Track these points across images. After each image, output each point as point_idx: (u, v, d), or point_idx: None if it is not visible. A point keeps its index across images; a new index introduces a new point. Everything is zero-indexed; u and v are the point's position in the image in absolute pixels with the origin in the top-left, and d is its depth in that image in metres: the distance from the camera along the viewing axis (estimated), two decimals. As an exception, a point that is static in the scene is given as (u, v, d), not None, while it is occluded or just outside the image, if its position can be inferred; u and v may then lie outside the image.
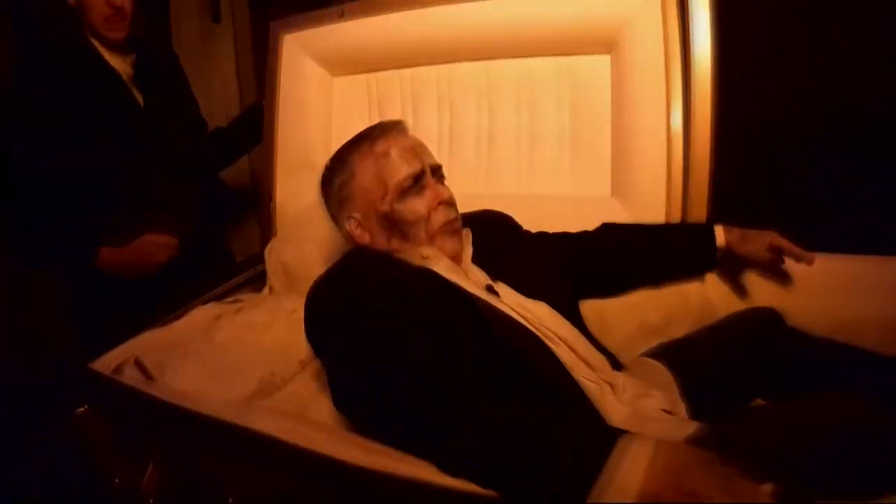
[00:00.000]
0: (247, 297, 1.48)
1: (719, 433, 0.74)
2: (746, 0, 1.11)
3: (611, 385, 0.92)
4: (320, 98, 1.56)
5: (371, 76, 1.53)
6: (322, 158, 1.62)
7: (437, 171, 1.01)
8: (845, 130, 1.10)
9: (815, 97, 1.11)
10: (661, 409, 0.90)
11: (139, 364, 1.11)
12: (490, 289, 0.97)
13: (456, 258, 0.99)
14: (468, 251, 1.03)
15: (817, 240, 1.06)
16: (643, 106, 1.17)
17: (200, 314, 1.30)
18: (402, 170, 0.97)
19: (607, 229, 1.18)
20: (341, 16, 1.42)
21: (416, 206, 0.97)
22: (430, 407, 0.68)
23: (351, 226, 1.01)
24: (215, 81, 2.21)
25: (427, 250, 0.96)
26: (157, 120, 1.37)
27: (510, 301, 0.96)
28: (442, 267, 0.94)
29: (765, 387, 1.01)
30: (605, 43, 1.24)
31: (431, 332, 0.78)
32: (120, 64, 1.32)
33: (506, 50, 1.35)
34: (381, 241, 1.00)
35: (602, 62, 1.27)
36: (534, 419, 0.63)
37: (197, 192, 1.48)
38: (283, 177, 1.59)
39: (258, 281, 1.58)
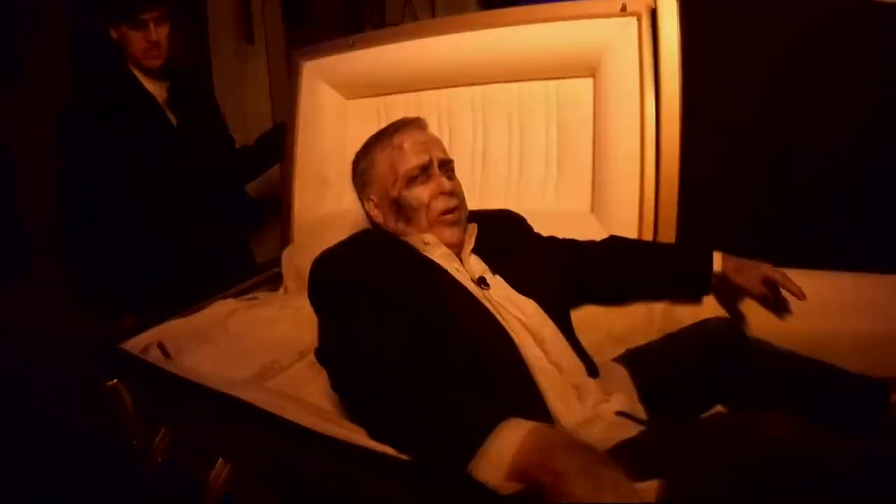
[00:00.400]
0: (263, 295, 1.65)
1: (639, 443, 0.80)
2: (716, 27, 1.18)
3: (577, 389, 0.98)
4: (335, 120, 1.72)
5: (381, 99, 1.69)
6: (336, 174, 1.81)
7: (445, 164, 1.10)
8: (812, 149, 1.17)
9: (783, 118, 1.17)
10: (617, 412, 0.96)
11: (161, 347, 1.28)
12: (482, 280, 1.05)
13: (455, 247, 1.08)
14: (470, 243, 1.11)
15: (784, 256, 1.12)
16: (620, 127, 1.27)
17: (219, 307, 1.47)
18: (411, 160, 1.08)
19: (613, 242, 1.25)
20: (353, 46, 1.58)
21: (420, 193, 1.07)
22: (362, 378, 0.82)
23: (369, 206, 1.15)
24: (250, 100, 2.42)
25: (428, 237, 1.07)
26: (187, 138, 1.56)
27: (499, 294, 1.04)
28: (438, 254, 1.05)
29: (722, 395, 1.04)
30: (587, 67, 1.34)
31: (393, 312, 0.90)
32: (156, 89, 1.53)
33: (499, 75, 1.48)
34: (391, 223, 1.12)
35: (586, 85, 1.37)
36: (441, 398, 0.75)
37: (221, 201, 1.66)
38: (301, 190, 1.75)
39: (275, 281, 1.74)
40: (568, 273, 1.19)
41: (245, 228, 1.89)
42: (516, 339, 0.98)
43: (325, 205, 1.78)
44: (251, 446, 0.95)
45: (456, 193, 1.10)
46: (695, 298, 1.20)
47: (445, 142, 1.58)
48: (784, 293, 1.08)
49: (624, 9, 1.23)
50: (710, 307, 1.19)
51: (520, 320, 1.01)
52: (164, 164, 1.51)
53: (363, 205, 1.17)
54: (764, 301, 1.13)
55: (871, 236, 1.12)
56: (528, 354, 0.97)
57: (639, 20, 1.22)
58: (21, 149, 1.86)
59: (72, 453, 1.70)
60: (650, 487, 0.60)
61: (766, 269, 1.09)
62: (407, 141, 1.10)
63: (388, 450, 0.75)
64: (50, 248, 1.76)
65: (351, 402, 0.87)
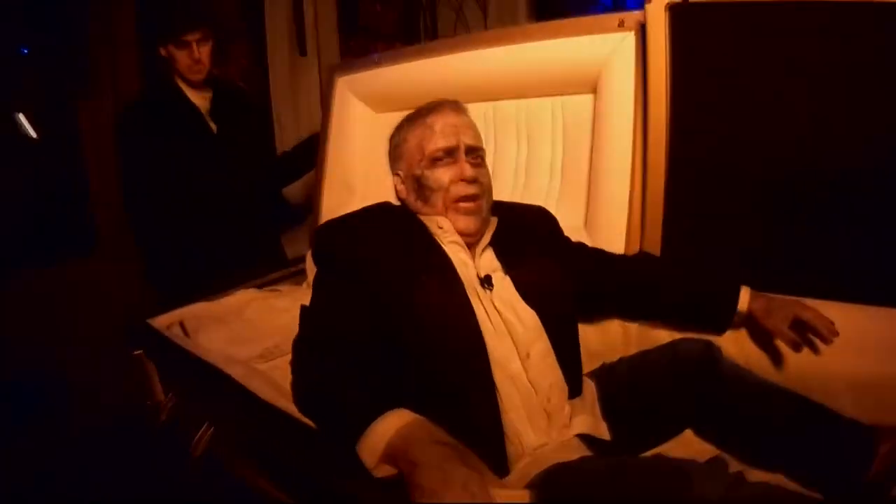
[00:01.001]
0: (286, 287, 1.79)
1: (569, 467, 0.82)
2: (705, 44, 1.16)
3: (548, 412, 0.97)
4: (363, 131, 1.83)
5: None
6: (361, 182, 1.92)
7: (473, 151, 1.09)
8: (812, 168, 1.12)
9: (780, 136, 1.12)
10: (577, 434, 0.97)
11: (182, 325, 1.44)
12: (488, 279, 1.03)
13: (470, 237, 1.07)
14: (486, 237, 1.09)
15: (765, 280, 1.09)
16: (613, 144, 1.28)
17: (241, 296, 1.63)
18: (438, 141, 1.07)
19: (642, 261, 1.21)
20: (378, 63, 1.69)
21: (441, 175, 1.06)
22: (298, 359, 0.92)
23: (396, 181, 1.16)
24: (302, 109, 2.61)
25: (443, 221, 1.07)
26: (225, 144, 1.74)
27: (501, 298, 1.02)
28: (448, 241, 1.05)
29: (693, 419, 1.05)
30: (588, 83, 1.36)
31: (361, 297, 0.95)
32: (199, 100, 1.73)
33: (509, 91, 1.53)
34: (412, 200, 1.12)
35: (588, 102, 1.39)
36: (349, 387, 0.83)
37: (255, 202, 1.82)
38: (328, 195, 1.88)
39: (300, 276, 1.88)
40: (583, 282, 1.15)
41: (277, 226, 2.05)
42: (496, 351, 0.96)
43: (350, 210, 1.89)
44: (226, 414, 1.06)
45: (479, 181, 1.08)
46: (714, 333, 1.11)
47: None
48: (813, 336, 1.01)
49: (622, 24, 1.24)
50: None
51: (513, 331, 0.99)
52: (203, 167, 1.71)
53: (393, 178, 1.18)
54: (793, 346, 1.04)
55: (869, 265, 1.06)
56: (506, 369, 0.96)
57: (636, 36, 1.22)
58: (88, 143, 2.14)
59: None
60: (518, 497, 0.65)
61: (798, 310, 1.00)
62: (439, 122, 1.09)
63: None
64: (113, 230, 2.03)
65: (292, 377, 0.96)
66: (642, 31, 1.19)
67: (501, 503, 0.65)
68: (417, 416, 0.76)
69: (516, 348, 0.99)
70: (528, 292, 1.04)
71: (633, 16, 1.22)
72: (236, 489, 1.08)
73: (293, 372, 0.93)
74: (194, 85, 1.70)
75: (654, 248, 1.21)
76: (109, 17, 2.21)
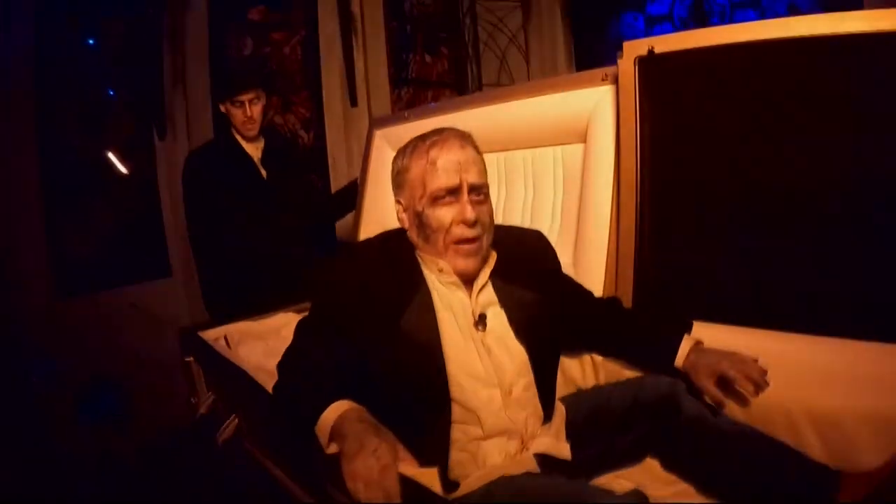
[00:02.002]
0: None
1: (511, 477, 0.95)
2: (673, 91, 1.24)
3: (522, 441, 1.05)
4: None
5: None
6: (392, 223, 2.10)
7: (476, 189, 1.06)
8: (760, 211, 1.15)
9: (757, 171, 1.16)
10: (535, 453, 1.05)
11: (226, 339, 1.69)
12: (482, 318, 1.07)
13: (469, 276, 1.08)
14: (485, 274, 1.10)
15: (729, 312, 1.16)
16: (595, 190, 1.39)
17: (280, 318, 1.87)
18: (440, 180, 1.04)
19: (611, 309, 1.26)
20: (407, 118, 1.93)
21: (443, 216, 1.04)
22: (283, 366, 1.06)
23: (398, 208, 1.14)
24: (354, 153, 2.89)
25: (443, 264, 1.07)
26: (275, 189, 2.02)
27: (494, 334, 1.07)
28: (447, 282, 1.07)
29: (655, 448, 1.10)
30: (580, 133, 1.49)
31: (343, 337, 1.02)
32: (252, 149, 2.02)
33: (517, 141, 1.69)
34: (413, 234, 1.11)
35: (580, 150, 1.51)
36: (315, 392, 0.96)
37: (301, 238, 2.09)
38: (364, 232, 2.11)
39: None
40: (569, 319, 1.21)
41: (314, 257, 2.30)
42: (478, 395, 1.02)
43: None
44: (251, 411, 1.27)
45: (480, 222, 1.06)
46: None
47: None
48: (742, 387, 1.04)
49: (605, 78, 1.37)
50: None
51: (500, 370, 1.05)
52: (255, 208, 1.99)
53: (395, 205, 1.16)
54: (718, 404, 1.06)
55: (835, 297, 1.09)
56: (487, 408, 1.02)
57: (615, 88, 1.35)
58: (163, 180, 2.54)
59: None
60: (427, 472, 0.82)
61: (723, 366, 1.05)
62: (442, 157, 1.05)
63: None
64: (184, 257, 2.37)
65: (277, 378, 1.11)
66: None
67: (406, 473, 0.79)
68: (357, 405, 0.93)
69: (500, 388, 1.04)
70: (520, 328, 1.09)
71: (614, 69, 1.33)
72: (259, 479, 1.28)
73: (278, 374, 1.09)
74: (248, 137, 2.00)
75: (627, 284, 1.29)
76: (184, 70, 2.61)
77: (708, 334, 1.16)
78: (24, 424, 2.39)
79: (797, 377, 1.04)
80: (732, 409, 1.06)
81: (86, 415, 2.35)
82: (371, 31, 2.96)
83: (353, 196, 2.18)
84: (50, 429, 2.45)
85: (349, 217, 2.33)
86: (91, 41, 2.65)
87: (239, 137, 2.00)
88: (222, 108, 1.97)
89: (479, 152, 1.11)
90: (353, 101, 2.76)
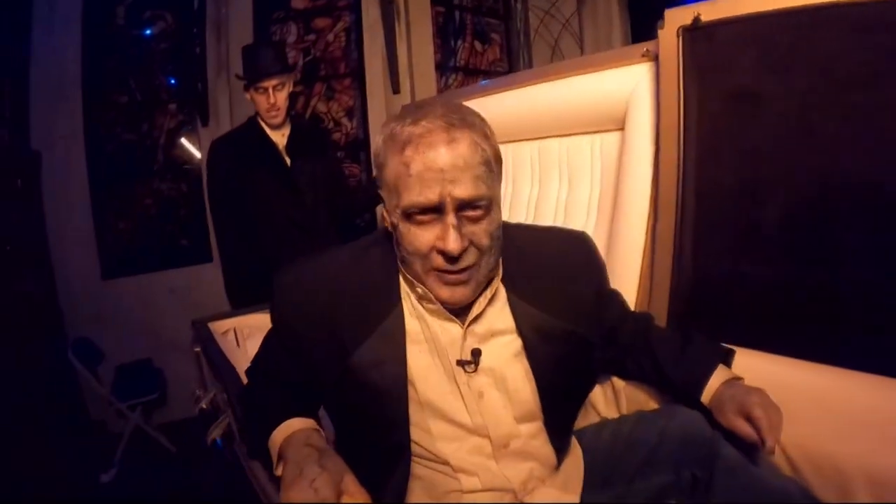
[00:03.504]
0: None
1: None
2: (721, 65, 1.04)
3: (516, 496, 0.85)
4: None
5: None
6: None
7: (467, 205, 0.78)
8: (823, 209, 0.94)
9: (803, 172, 0.98)
10: None
11: (235, 332, 1.63)
12: (475, 356, 0.84)
13: (456, 306, 0.84)
14: (484, 299, 0.86)
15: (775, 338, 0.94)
16: (631, 183, 1.19)
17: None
18: (412, 193, 0.77)
19: (643, 327, 1.03)
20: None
21: (417, 238, 0.79)
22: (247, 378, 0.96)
23: (381, 207, 0.90)
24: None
25: (422, 290, 0.83)
26: (299, 177, 1.94)
27: (491, 377, 0.85)
28: (430, 309, 0.85)
29: (681, 493, 0.90)
30: (618, 119, 1.29)
31: (303, 358, 0.88)
32: (277, 137, 1.95)
33: (552, 128, 1.51)
34: (396, 244, 0.86)
35: (618, 139, 1.32)
36: (271, 410, 0.87)
37: (325, 228, 2.00)
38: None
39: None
40: (601, 347, 0.99)
41: None
42: (458, 454, 0.84)
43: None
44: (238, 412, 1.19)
45: (475, 247, 0.80)
46: None
47: (509, 191, 1.65)
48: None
49: (646, 53, 1.17)
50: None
51: (493, 421, 0.85)
52: (278, 197, 1.92)
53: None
54: (749, 441, 0.85)
55: None
56: (469, 467, 0.84)
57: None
58: (204, 168, 2.54)
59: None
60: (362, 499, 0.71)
61: (752, 403, 0.84)
62: (417, 161, 0.76)
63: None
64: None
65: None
66: (656, 58, 1.11)
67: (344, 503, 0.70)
68: (307, 425, 0.83)
69: (492, 440, 0.85)
70: (538, 364, 0.87)
71: (657, 44, 1.14)
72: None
73: (247, 381, 1.01)
74: (273, 125, 1.93)
75: (663, 295, 1.09)
76: (228, 58, 2.61)
77: (749, 363, 0.95)
78: (65, 400, 2.51)
79: (854, 427, 0.84)
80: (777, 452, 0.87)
81: (123, 393, 2.43)
82: (416, 17, 2.85)
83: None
84: (89, 404, 2.57)
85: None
86: (139, 31, 2.74)
87: (263, 125, 1.94)
88: (247, 96, 1.92)
89: (482, 148, 0.78)
90: (396, 88, 2.65)
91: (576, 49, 3.09)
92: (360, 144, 2.91)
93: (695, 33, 1.03)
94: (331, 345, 0.84)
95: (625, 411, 1.08)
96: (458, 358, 0.85)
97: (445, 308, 0.84)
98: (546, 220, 1.54)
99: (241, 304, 1.99)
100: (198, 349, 1.60)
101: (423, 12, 2.87)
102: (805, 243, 0.95)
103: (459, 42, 3.19)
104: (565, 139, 1.51)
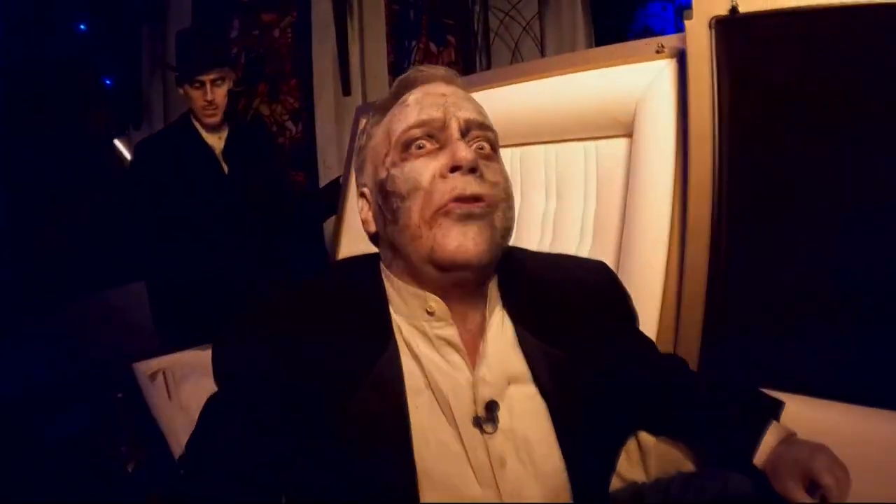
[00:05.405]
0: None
1: None
2: (762, 64, 0.93)
3: None
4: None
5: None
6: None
7: (476, 126, 0.67)
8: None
9: (864, 182, 0.86)
10: None
11: (165, 376, 1.35)
12: (491, 410, 0.64)
13: (469, 264, 0.63)
14: (495, 310, 0.70)
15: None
16: (648, 198, 1.04)
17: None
18: (410, 117, 0.66)
19: (669, 372, 0.86)
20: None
21: (419, 170, 0.64)
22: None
23: (362, 206, 0.73)
24: (346, 146, 2.56)
25: (436, 302, 0.66)
26: (236, 186, 1.69)
27: (513, 438, 0.65)
28: (438, 336, 0.66)
29: None
30: (623, 123, 1.14)
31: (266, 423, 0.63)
32: (213, 140, 1.69)
33: (537, 133, 1.34)
34: (382, 243, 0.71)
35: (623, 146, 1.17)
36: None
37: (267, 246, 1.74)
38: (346, 245, 1.75)
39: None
40: (630, 395, 0.79)
41: (289, 273, 1.96)
42: None
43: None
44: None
45: (486, 179, 0.65)
46: None
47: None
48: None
49: (660, 49, 1.03)
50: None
51: (517, 495, 0.65)
52: (213, 208, 1.66)
53: (358, 202, 0.76)
54: None
55: None
56: None
57: (678, 63, 1.00)
58: None
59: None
60: None
61: (818, 467, 0.68)
62: (417, 91, 0.69)
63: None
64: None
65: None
66: (683, 57, 0.97)
67: None
68: None
69: None
70: (563, 421, 0.67)
71: (673, 39, 1.00)
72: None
73: (185, 457, 0.75)
74: (209, 126, 1.67)
75: (694, 334, 0.93)
76: (164, 54, 2.32)
77: (798, 412, 0.81)
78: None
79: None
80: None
81: (53, 432, 2.05)
82: (370, 15, 2.65)
83: (334, 197, 1.84)
84: (13, 445, 2.15)
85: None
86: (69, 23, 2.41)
87: (198, 125, 1.66)
88: (181, 91, 1.64)
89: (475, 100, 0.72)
90: (346, 90, 2.43)
91: (536, 54, 2.98)
92: (305, 150, 2.64)
93: (730, 25, 0.88)
94: (304, 403, 0.62)
95: (653, 473, 0.89)
96: (473, 413, 0.64)
97: (447, 340, 0.65)
98: (529, 240, 1.37)
99: (171, 331, 1.71)
100: (119, 395, 1.31)
101: (377, 10, 2.68)
102: (861, 264, 0.82)
103: (414, 43, 3.02)
104: (552, 145, 1.34)
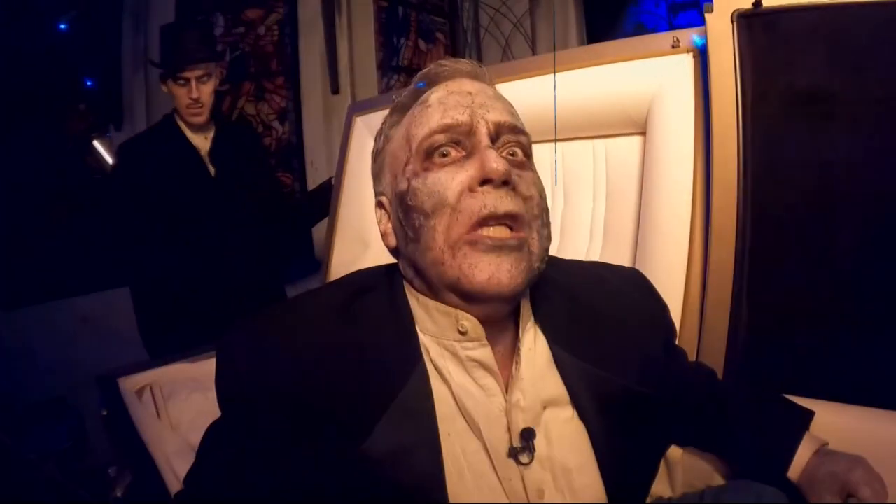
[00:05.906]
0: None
1: None
2: (787, 61, 0.89)
3: None
4: (382, 176, 1.66)
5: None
6: (377, 237, 1.71)
7: (506, 130, 0.61)
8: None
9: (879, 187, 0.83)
10: None
11: (153, 391, 1.27)
12: (528, 439, 0.59)
13: (502, 295, 0.57)
14: (528, 327, 0.64)
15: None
16: (665, 199, 0.99)
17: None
18: (433, 120, 0.60)
19: (697, 381, 0.82)
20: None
21: (444, 182, 0.58)
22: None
23: (381, 216, 0.67)
24: (336, 148, 2.49)
25: (468, 320, 0.59)
26: (223, 189, 1.61)
27: (551, 466, 0.60)
28: (469, 358, 0.60)
29: None
30: (636, 121, 1.10)
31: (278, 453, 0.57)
32: (199, 141, 1.61)
33: (541, 131, 1.28)
34: (402, 256, 0.65)
35: (636, 144, 1.12)
36: None
37: (255, 251, 1.66)
38: (339, 249, 1.68)
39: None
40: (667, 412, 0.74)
41: (279, 280, 1.88)
42: None
43: (362, 267, 1.70)
44: None
45: (520, 193, 0.59)
46: None
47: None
48: None
49: (676, 44, 0.98)
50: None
51: None
52: (199, 213, 1.57)
53: (376, 212, 0.69)
54: None
55: None
56: None
57: (695, 58, 0.96)
58: None
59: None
60: None
61: (855, 480, 0.65)
62: (440, 90, 0.63)
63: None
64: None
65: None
66: (702, 52, 0.92)
67: None
68: None
69: None
70: (600, 440, 0.63)
71: (689, 33, 0.96)
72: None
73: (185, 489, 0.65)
74: (194, 126, 1.59)
75: (719, 341, 0.89)
76: (146, 51, 2.23)
77: (829, 419, 0.77)
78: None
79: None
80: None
81: (33, 442, 1.94)
82: (358, 12, 2.58)
83: (327, 199, 1.77)
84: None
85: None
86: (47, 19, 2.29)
87: (182, 125, 1.58)
88: (164, 88, 1.56)
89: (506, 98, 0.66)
90: (335, 89, 2.35)
91: (527, 52, 2.94)
92: (293, 151, 2.55)
93: (754, 20, 0.84)
94: (322, 432, 0.56)
95: (680, 487, 0.86)
96: (508, 442, 0.58)
97: (480, 362, 0.59)
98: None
99: (157, 342, 1.63)
100: (105, 412, 1.23)
101: (366, 6, 2.60)
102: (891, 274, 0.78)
103: (403, 40, 2.95)
104: (559, 144, 1.29)
